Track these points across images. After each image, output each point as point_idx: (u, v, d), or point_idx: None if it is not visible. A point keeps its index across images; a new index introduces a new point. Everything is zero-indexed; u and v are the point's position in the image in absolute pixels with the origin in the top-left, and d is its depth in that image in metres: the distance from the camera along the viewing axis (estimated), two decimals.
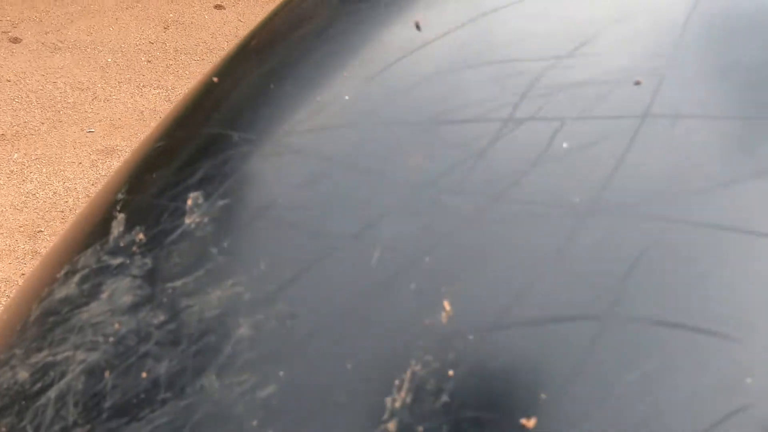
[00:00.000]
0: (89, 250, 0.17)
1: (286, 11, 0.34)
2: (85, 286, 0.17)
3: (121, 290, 0.16)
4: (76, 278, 0.17)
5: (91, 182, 1.78)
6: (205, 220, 0.17)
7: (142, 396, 0.15)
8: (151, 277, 0.16)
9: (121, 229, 0.17)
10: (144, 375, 0.15)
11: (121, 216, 0.18)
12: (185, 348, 0.16)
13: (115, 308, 0.16)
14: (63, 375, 0.15)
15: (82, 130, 1.91)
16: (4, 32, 2.20)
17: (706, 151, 0.22)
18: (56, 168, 1.79)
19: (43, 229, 1.64)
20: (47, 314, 0.17)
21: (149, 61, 2.19)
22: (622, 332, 0.18)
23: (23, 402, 0.16)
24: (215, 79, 0.29)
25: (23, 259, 1.57)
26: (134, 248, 0.17)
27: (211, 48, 2.31)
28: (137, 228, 0.17)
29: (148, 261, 0.17)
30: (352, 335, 0.17)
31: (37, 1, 2.35)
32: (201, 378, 0.16)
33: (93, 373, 0.15)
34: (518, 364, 0.18)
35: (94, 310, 0.16)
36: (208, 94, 0.29)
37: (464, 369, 0.17)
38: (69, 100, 1.99)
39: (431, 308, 0.17)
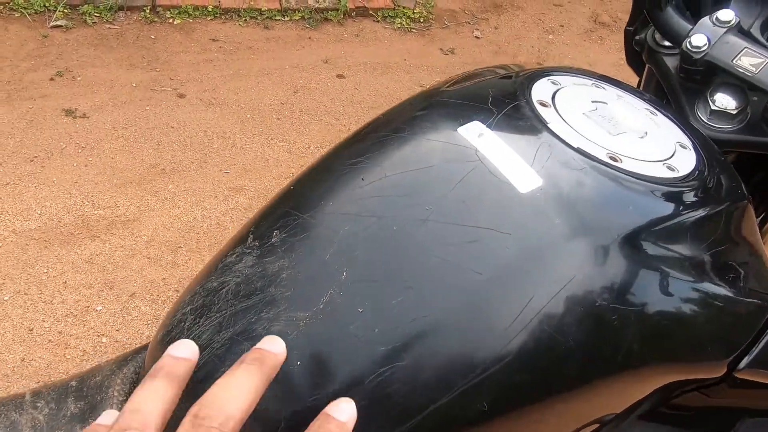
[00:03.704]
0: (239, 247, 0.49)
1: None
2: (236, 258, 0.49)
3: (247, 261, 0.48)
4: (234, 255, 0.48)
5: (223, 213, 2.08)
6: (278, 241, 0.48)
7: (252, 290, 0.44)
8: (260, 258, 0.48)
9: (251, 240, 0.49)
10: (254, 287, 0.45)
11: (251, 236, 0.50)
12: (261, 277, 0.46)
13: (246, 266, 0.47)
14: (228, 284, 0.46)
15: (220, 170, 2.25)
16: (174, 89, 2.59)
17: None
18: (198, 199, 2.11)
19: (182, 246, 1.96)
20: (225, 266, 0.48)
21: (278, 119, 2.53)
22: None
23: (215, 292, 0.47)
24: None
25: (165, 267, 1.89)
26: (254, 248, 0.49)
27: (329, 110, 2.61)
28: (256, 242, 0.49)
29: (258, 252, 0.48)
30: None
31: (200, 66, 2.73)
32: (270, 285, 0.46)
33: (239, 284, 0.46)
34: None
35: (239, 266, 0.48)
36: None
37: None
38: (214, 146, 2.36)
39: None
